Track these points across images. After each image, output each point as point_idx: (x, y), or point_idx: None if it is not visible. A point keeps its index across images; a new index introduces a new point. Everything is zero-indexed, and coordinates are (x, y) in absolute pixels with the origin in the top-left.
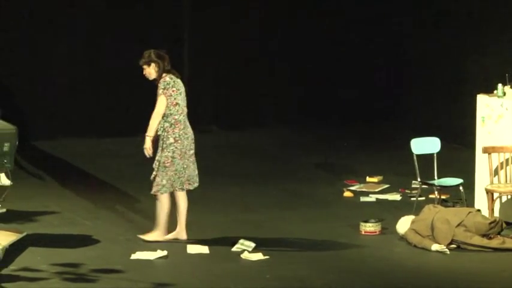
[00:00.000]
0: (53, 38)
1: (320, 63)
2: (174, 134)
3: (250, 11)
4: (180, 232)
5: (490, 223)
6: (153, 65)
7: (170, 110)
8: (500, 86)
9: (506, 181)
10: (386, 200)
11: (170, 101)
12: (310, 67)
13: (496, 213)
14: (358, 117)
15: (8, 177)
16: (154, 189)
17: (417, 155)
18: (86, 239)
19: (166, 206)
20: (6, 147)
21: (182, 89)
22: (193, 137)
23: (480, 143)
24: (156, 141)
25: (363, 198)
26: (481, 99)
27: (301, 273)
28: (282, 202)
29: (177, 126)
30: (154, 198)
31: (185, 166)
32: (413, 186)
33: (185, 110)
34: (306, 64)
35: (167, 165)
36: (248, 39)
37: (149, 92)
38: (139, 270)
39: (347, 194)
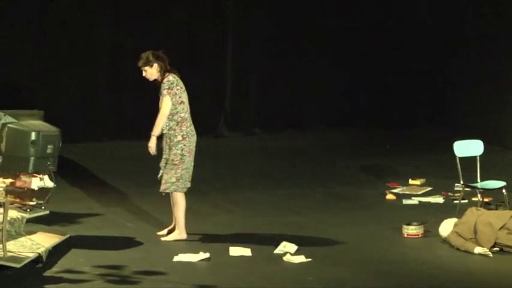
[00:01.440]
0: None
1: (362, 67)
2: (181, 131)
3: (293, 12)
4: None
5: None
6: (155, 65)
7: (176, 108)
8: None
9: None
10: (429, 202)
11: (175, 99)
12: (352, 70)
13: None
14: (401, 120)
15: (51, 179)
16: (162, 187)
17: (460, 158)
18: (129, 241)
19: (182, 205)
20: (49, 149)
21: (184, 87)
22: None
23: None
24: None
25: (405, 201)
26: None
27: (343, 276)
28: (325, 204)
29: (183, 124)
30: (166, 196)
31: (192, 164)
32: (456, 188)
33: (189, 107)
34: (348, 67)
35: (176, 163)
36: (291, 41)
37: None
38: (181, 273)
39: (389, 196)
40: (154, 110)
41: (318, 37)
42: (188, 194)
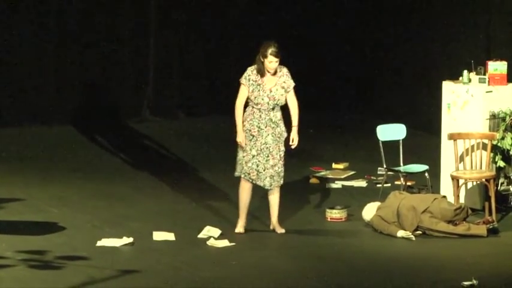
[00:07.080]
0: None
1: (286, 49)
2: None
3: None
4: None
5: (456, 209)
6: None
7: None
8: (465, 72)
9: (471, 167)
10: (352, 186)
11: None
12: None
13: (462, 200)
14: (324, 103)
15: None
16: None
17: (383, 142)
18: (52, 226)
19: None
20: None
21: None
22: None
23: (446, 129)
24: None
25: (328, 185)
26: (447, 86)
27: (267, 260)
28: None
29: None
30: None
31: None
32: (379, 172)
33: None
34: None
35: None
36: (214, 26)
37: None
38: (105, 257)
39: (313, 180)
40: (81, 94)
41: (234, 21)
42: (113, 179)
